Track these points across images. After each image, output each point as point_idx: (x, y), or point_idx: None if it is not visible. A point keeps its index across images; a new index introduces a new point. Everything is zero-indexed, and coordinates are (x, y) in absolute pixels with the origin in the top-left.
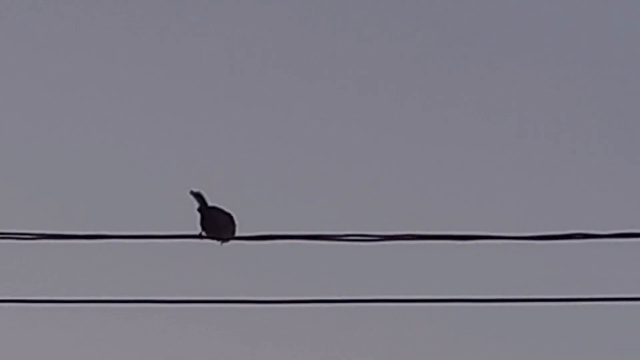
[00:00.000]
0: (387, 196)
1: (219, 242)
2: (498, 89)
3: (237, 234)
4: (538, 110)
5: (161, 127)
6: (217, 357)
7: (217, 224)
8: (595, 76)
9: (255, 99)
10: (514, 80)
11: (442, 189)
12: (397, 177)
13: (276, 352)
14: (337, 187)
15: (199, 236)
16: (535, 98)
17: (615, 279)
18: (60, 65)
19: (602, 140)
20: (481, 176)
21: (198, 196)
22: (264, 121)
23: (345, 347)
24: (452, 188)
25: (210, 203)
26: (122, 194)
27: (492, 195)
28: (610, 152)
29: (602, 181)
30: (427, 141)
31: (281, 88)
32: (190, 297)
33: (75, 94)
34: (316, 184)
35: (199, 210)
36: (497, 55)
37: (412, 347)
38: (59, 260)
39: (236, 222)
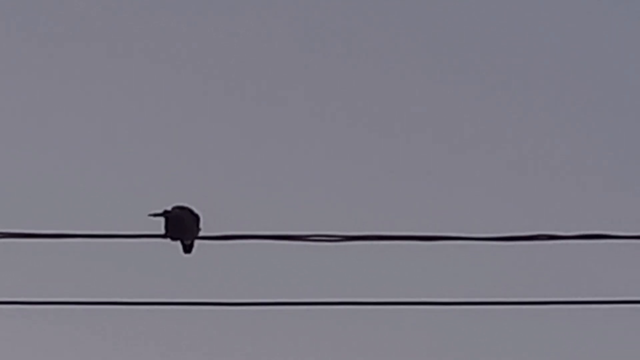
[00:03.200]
0: (354, 195)
1: (183, 247)
2: (466, 89)
3: (201, 233)
4: (505, 108)
5: (124, 124)
6: (182, 359)
7: (182, 225)
8: (570, 77)
9: (217, 95)
10: (481, 81)
11: (410, 189)
12: (365, 177)
13: (242, 354)
14: (304, 186)
15: (163, 236)
16: (503, 98)
17: (581, 281)
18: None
19: (569, 141)
20: (449, 177)
21: (158, 215)
22: (228, 118)
23: (312, 348)
24: (421, 188)
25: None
26: (85, 191)
27: (460, 196)
28: (577, 153)
29: (569, 182)
30: (396, 141)
31: (246, 84)
32: (154, 300)
33: (37, 89)
34: (283, 182)
35: (164, 212)
36: (460, 58)
37: (377, 349)
38: (20, 260)
39: (200, 219)
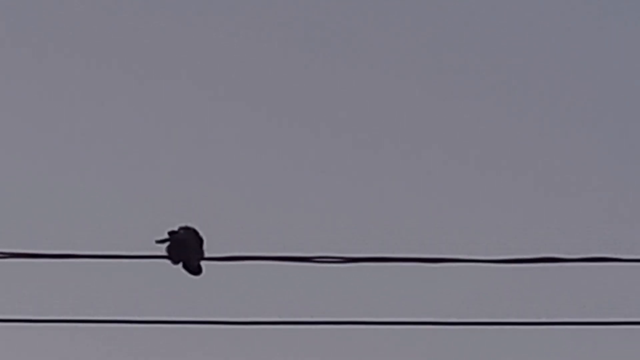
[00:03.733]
0: (358, 217)
1: (187, 269)
2: (476, 106)
3: (206, 254)
4: (504, 130)
5: (126, 145)
6: None
7: (185, 247)
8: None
9: (224, 112)
10: (479, 96)
11: (415, 211)
12: (368, 198)
13: None
14: (308, 207)
15: (166, 257)
16: (503, 116)
17: (587, 303)
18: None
19: (574, 162)
20: (452, 198)
21: (164, 240)
22: (231, 138)
23: None
24: (425, 210)
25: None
26: (88, 211)
27: (463, 218)
28: (581, 175)
29: (573, 204)
30: (398, 162)
31: (256, 101)
32: (159, 318)
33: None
34: (287, 204)
35: (169, 233)
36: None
37: None
38: (26, 280)
39: (204, 242)
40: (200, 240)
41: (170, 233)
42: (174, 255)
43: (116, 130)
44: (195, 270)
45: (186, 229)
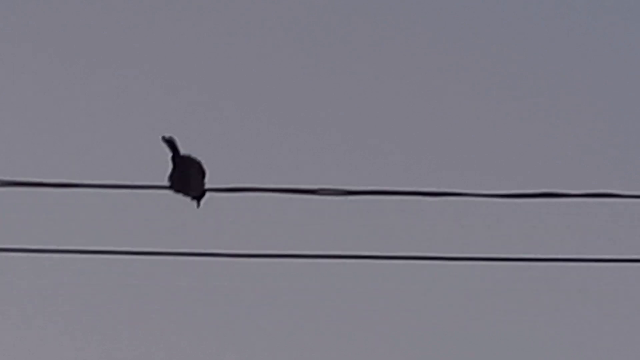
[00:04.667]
0: (357, 151)
1: (190, 199)
2: (471, 56)
3: (208, 185)
4: (502, 70)
5: (131, 70)
6: (189, 311)
7: (187, 181)
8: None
9: (226, 27)
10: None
11: (414, 145)
12: (368, 132)
13: (247, 306)
14: (308, 140)
15: (170, 187)
16: (506, 61)
17: (585, 240)
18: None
19: (577, 97)
20: (452, 132)
21: (170, 142)
22: (235, 68)
23: (313, 303)
24: (424, 144)
25: (182, 152)
26: (91, 141)
27: (463, 152)
28: (585, 111)
29: (575, 140)
30: (399, 95)
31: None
32: (160, 249)
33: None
34: (287, 136)
35: (172, 159)
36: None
37: (377, 304)
38: (26, 208)
39: (205, 175)
40: (203, 172)
41: (174, 159)
42: (175, 185)
43: (117, 50)
44: (196, 203)
45: (191, 159)
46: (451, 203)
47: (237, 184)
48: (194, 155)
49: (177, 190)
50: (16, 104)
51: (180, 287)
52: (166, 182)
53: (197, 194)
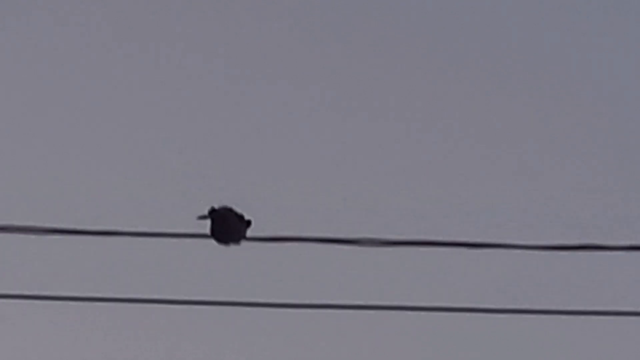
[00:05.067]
0: (400, 200)
1: (228, 245)
2: (506, 90)
3: (249, 234)
4: (540, 115)
5: (167, 121)
6: (223, 358)
7: (227, 228)
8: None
9: (263, 89)
10: (516, 81)
11: (456, 196)
12: (410, 182)
13: (285, 356)
14: (351, 189)
15: (209, 236)
16: (537, 103)
17: (626, 293)
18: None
19: (616, 148)
20: (493, 183)
21: (206, 216)
22: (274, 115)
23: (354, 352)
24: (466, 195)
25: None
26: (131, 189)
27: (504, 203)
28: (623, 159)
29: (615, 191)
30: (440, 145)
31: (289, 80)
32: (198, 298)
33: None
34: (330, 185)
35: (210, 212)
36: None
37: (419, 355)
38: (68, 256)
39: (249, 224)
40: (246, 222)
41: (213, 211)
42: (216, 234)
43: (157, 107)
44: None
45: (229, 210)
46: (492, 254)
47: (279, 233)
48: (234, 206)
49: (219, 240)
50: (56, 151)
51: (219, 336)
52: (206, 231)
53: (236, 241)
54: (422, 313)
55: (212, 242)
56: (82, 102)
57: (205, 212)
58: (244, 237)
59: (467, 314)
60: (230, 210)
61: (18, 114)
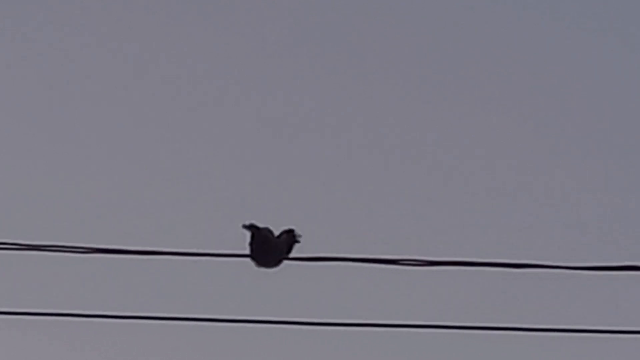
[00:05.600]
0: (441, 220)
1: (267, 268)
2: (542, 109)
3: (289, 254)
4: (585, 133)
5: (210, 144)
6: None
7: (267, 249)
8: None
9: (307, 112)
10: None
11: (498, 216)
12: (451, 202)
13: None
14: (389, 210)
15: (249, 256)
16: (574, 116)
17: None
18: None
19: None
20: (536, 204)
21: (250, 228)
22: (318, 138)
23: None
24: (509, 215)
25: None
26: (172, 210)
27: (547, 223)
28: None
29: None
30: (479, 168)
31: (329, 106)
32: (235, 317)
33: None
34: (369, 206)
35: (250, 228)
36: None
37: None
38: (109, 275)
39: (294, 242)
40: (284, 242)
41: (254, 227)
42: (255, 254)
43: (198, 126)
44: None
45: (268, 230)
46: (534, 275)
47: (319, 253)
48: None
49: (258, 261)
50: (96, 171)
51: (262, 355)
52: (246, 251)
53: (277, 262)
54: (465, 331)
55: (252, 262)
56: (129, 120)
57: (248, 226)
58: (284, 259)
59: (511, 333)
60: (270, 232)
61: (58, 132)
